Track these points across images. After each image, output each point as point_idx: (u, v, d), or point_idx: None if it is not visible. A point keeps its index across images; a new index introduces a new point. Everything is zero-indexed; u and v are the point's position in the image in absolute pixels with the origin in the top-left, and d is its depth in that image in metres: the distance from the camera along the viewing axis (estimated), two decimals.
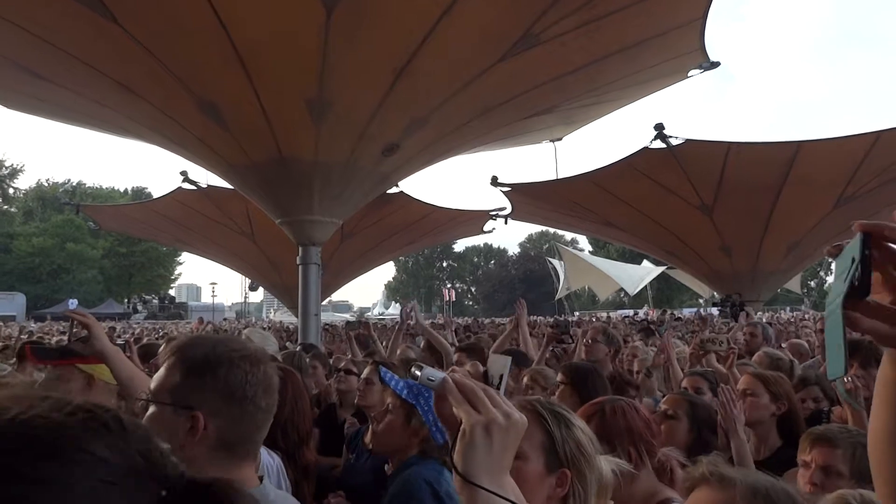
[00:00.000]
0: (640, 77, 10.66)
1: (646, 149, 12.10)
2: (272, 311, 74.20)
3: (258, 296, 51.77)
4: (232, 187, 11.25)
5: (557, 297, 46.27)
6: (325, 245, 10.45)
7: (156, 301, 56.21)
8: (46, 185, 63.30)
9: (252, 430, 1.33)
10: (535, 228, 72.75)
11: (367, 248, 18.33)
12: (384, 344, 6.25)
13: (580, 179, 14.09)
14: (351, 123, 8.61)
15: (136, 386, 2.09)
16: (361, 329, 6.56)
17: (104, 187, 64.36)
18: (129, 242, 54.77)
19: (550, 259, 52.40)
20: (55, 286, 52.79)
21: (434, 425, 1.17)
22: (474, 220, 18.67)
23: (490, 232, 19.98)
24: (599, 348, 4.30)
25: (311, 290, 9.78)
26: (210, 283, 63.77)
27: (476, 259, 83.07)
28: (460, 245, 78.85)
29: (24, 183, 69.98)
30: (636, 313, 34.06)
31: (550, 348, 4.51)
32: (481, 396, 0.89)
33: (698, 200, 13.71)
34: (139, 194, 59.87)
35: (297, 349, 5.83)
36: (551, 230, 66.20)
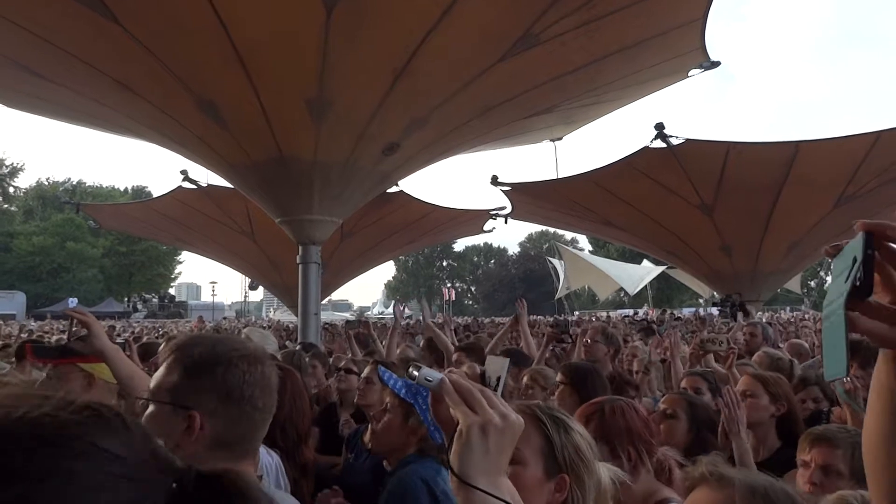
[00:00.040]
0: (640, 77, 10.66)
1: (646, 148, 12.10)
2: (272, 310, 74.16)
3: (258, 295, 51.66)
4: (232, 186, 11.25)
5: (557, 296, 46.27)
6: (325, 244, 10.46)
7: (156, 300, 56.15)
8: (46, 183, 63.28)
9: (250, 429, 1.33)
10: (535, 228, 72.84)
11: (367, 248, 18.33)
12: (384, 343, 6.25)
13: (580, 179, 14.09)
14: (351, 123, 8.61)
15: (135, 385, 2.09)
16: (361, 328, 6.57)
17: (104, 186, 64.33)
18: (129, 241, 54.73)
19: (550, 258, 52.39)
20: (55, 285, 52.78)
21: (432, 424, 1.17)
22: (474, 220, 18.67)
23: (490, 231, 19.99)
24: (598, 348, 4.29)
25: (311, 289, 9.78)
26: (210, 282, 63.90)
27: (476, 258, 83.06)
28: (460, 244, 78.92)
29: (24, 182, 70.01)
30: (636, 313, 34.07)
31: (550, 347, 4.51)
32: (478, 397, 0.89)
33: (698, 200, 13.71)
34: (139, 193, 59.84)
35: (297, 348, 5.84)
36: (551, 230, 66.20)
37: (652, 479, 1.99)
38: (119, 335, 14.78)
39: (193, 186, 14.82)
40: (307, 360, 4.83)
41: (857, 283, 0.69)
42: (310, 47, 7.37)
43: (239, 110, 8.33)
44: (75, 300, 39.08)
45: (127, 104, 8.92)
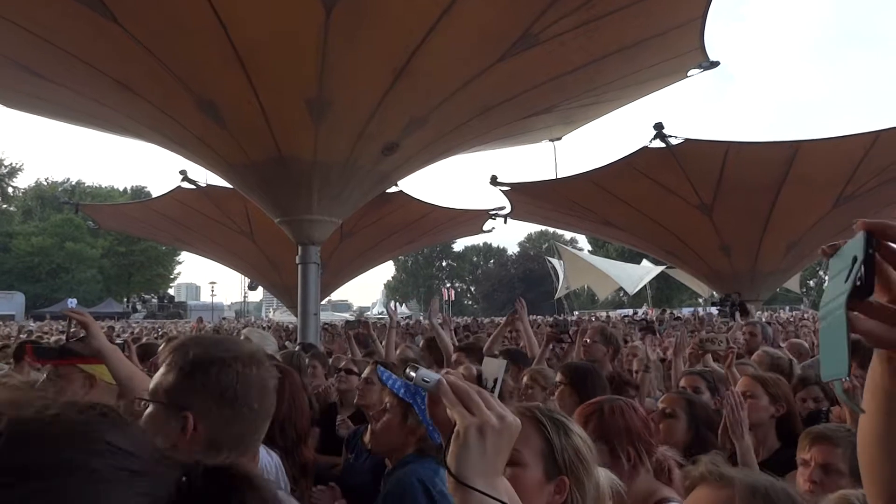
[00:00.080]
0: (639, 77, 10.66)
1: (645, 148, 12.11)
2: (271, 310, 74.14)
3: (257, 295, 51.73)
4: (231, 186, 11.24)
5: (557, 296, 46.27)
6: (325, 244, 10.45)
7: (155, 300, 56.18)
8: (45, 184, 63.27)
9: (245, 431, 1.32)
10: (535, 228, 72.88)
11: (367, 248, 18.33)
12: (383, 344, 6.25)
13: (579, 179, 14.10)
14: (350, 123, 8.61)
15: (134, 385, 2.09)
16: (361, 328, 6.57)
17: (103, 186, 64.32)
18: (129, 242, 54.74)
19: (550, 258, 52.40)
20: (54, 285, 52.76)
21: (431, 424, 1.17)
22: (474, 220, 18.67)
23: (489, 231, 19.99)
24: (597, 348, 4.29)
25: (311, 289, 9.78)
26: (209, 282, 63.99)
27: (475, 258, 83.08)
28: (460, 244, 78.95)
29: (23, 182, 70.14)
30: (635, 312, 34.09)
31: (550, 347, 4.51)
32: (475, 399, 0.89)
33: (697, 200, 13.71)
34: (138, 193, 59.83)
35: (297, 349, 5.84)
36: (551, 229, 66.25)
37: (651, 479, 1.99)
38: (118, 336, 14.77)
39: (192, 186, 14.81)
40: (307, 360, 4.83)
41: (858, 283, 0.68)
42: (309, 47, 7.37)
43: (238, 110, 8.32)
44: (74, 301, 39.07)
45: (126, 104, 8.92)
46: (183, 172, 14.41)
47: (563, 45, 8.25)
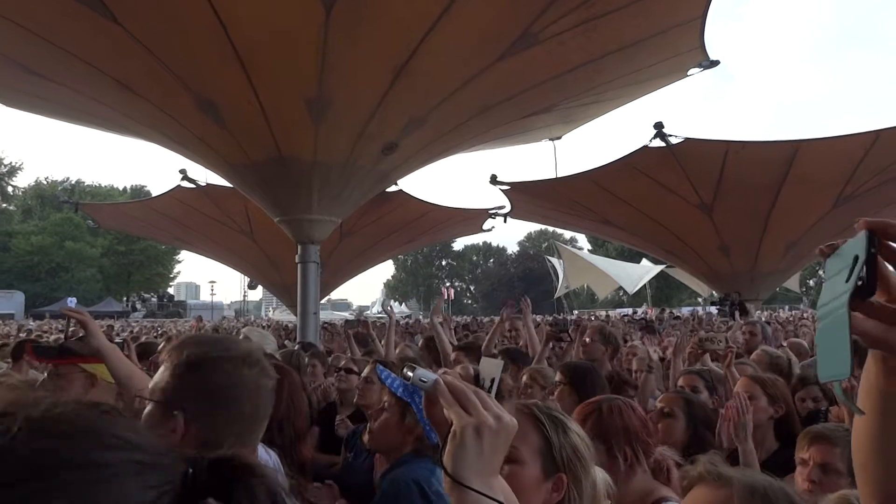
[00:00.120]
0: (639, 76, 10.66)
1: (645, 147, 12.11)
2: (271, 309, 74.10)
3: (257, 294, 51.77)
4: (231, 186, 11.24)
5: (556, 295, 46.25)
6: (324, 243, 10.45)
7: (155, 299, 56.16)
8: (45, 183, 63.25)
9: (239, 432, 1.31)
10: (535, 227, 72.89)
11: (366, 247, 18.33)
12: (383, 343, 6.26)
13: (579, 178, 14.10)
14: (350, 122, 8.60)
15: (133, 384, 2.09)
16: (360, 327, 6.57)
17: (103, 185, 64.32)
18: (128, 241, 54.72)
19: (549, 257, 52.38)
20: (54, 284, 52.75)
21: (428, 424, 1.17)
22: (473, 219, 18.67)
23: (489, 230, 20.00)
24: (597, 347, 4.29)
25: (310, 288, 9.77)
26: (209, 281, 63.98)
27: (475, 257, 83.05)
28: (459, 243, 78.90)
29: (22, 181, 70.04)
30: (635, 312, 34.07)
31: (550, 346, 4.51)
32: (472, 399, 0.89)
33: (697, 199, 13.71)
34: (138, 192, 59.80)
35: (296, 348, 5.84)
36: (550, 229, 66.23)
37: (649, 479, 1.99)
38: (117, 335, 14.77)
39: (192, 186, 14.81)
40: (306, 359, 4.83)
41: (860, 283, 0.68)
42: (309, 47, 7.37)
43: (238, 110, 8.32)
44: (74, 300, 39.01)
45: (126, 103, 8.91)
46: (183, 171, 14.42)
47: (563, 44, 8.25)
